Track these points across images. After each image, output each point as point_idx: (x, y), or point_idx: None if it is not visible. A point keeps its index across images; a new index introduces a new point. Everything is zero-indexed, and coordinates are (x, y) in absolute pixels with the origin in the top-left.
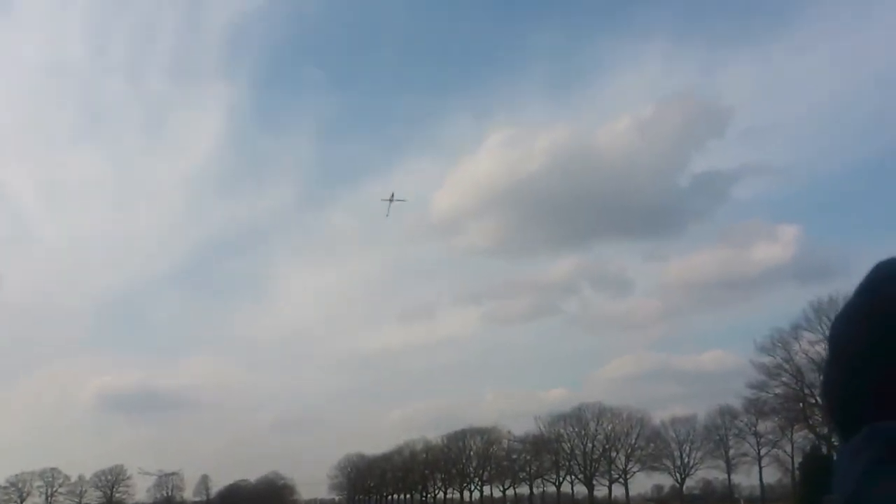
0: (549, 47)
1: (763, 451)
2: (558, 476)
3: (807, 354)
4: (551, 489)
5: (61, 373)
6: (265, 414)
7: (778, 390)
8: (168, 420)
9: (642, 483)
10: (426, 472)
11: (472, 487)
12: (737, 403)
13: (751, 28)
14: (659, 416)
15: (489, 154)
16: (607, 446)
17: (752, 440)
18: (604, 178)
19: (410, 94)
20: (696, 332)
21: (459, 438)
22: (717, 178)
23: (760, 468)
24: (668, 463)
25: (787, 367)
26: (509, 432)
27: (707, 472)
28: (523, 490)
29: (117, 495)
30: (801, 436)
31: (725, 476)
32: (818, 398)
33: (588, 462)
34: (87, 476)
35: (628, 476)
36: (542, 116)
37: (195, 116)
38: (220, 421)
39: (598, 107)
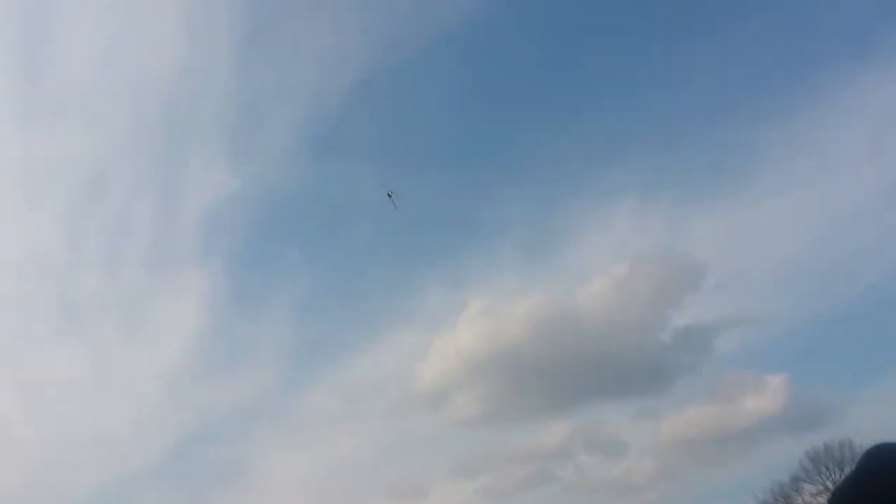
0: (521, 214)
1: None
2: None
3: None
4: None
5: None
6: None
7: None
8: None
9: None
10: None
11: None
12: None
13: (714, 184)
14: None
15: (470, 323)
16: None
17: None
18: (586, 339)
19: (386, 267)
20: (695, 491)
21: None
22: (698, 331)
23: None
24: None
25: None
26: None
27: None
28: None
29: None
30: None
31: None
32: None
33: None
34: None
35: None
36: (519, 282)
37: (172, 305)
38: None
39: (574, 269)
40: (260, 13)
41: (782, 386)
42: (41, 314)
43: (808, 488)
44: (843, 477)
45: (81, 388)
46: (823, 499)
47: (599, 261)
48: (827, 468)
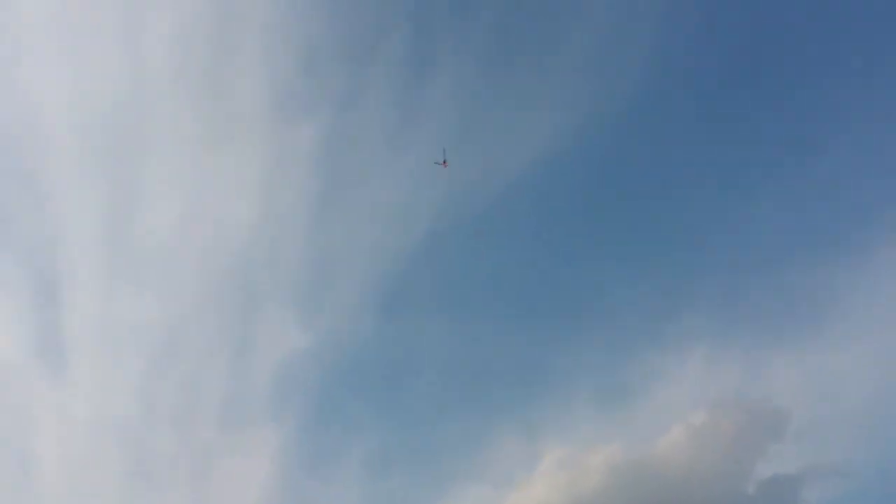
0: (594, 362)
1: None
2: None
3: None
4: None
5: None
6: None
7: None
8: None
9: None
10: None
11: None
12: None
13: (791, 327)
14: None
15: (545, 475)
16: None
17: None
18: (667, 490)
19: (457, 420)
20: None
21: None
22: (784, 482)
23: None
24: None
25: None
26: None
27: None
28: None
29: None
30: None
31: None
32: None
33: None
34: None
35: None
36: (595, 432)
37: (243, 462)
38: None
39: (650, 417)
40: (332, 172)
41: None
42: (114, 473)
43: None
44: None
45: None
46: None
47: (676, 408)
48: None
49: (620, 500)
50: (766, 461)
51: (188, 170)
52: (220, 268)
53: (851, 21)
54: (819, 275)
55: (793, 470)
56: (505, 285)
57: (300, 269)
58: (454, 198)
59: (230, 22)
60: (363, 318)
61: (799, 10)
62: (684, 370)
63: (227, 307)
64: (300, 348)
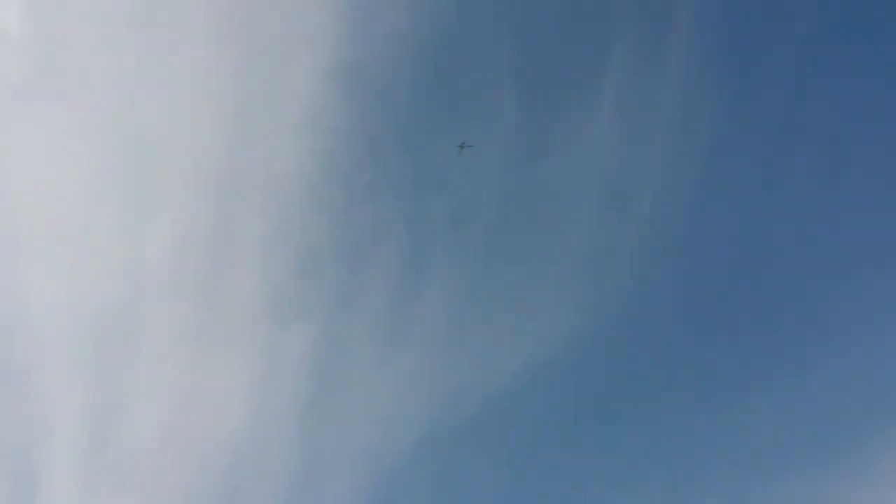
0: None
1: None
2: None
3: None
4: None
5: None
6: None
7: None
8: None
9: None
10: None
11: None
12: None
13: None
14: None
15: None
16: None
17: None
18: None
19: None
20: None
21: None
22: None
23: None
24: None
25: None
26: None
27: None
28: None
29: None
30: None
31: None
32: None
33: None
34: None
35: None
36: None
37: None
38: None
39: None
40: (324, 376)
41: None
42: None
43: None
44: None
45: None
46: None
47: None
48: None
49: None
50: None
51: (178, 373)
52: (207, 470)
53: (848, 232)
54: (819, 486)
55: None
56: (495, 496)
57: (288, 476)
58: (445, 403)
59: (229, 226)
60: None
61: (789, 222)
62: None
63: None
64: None
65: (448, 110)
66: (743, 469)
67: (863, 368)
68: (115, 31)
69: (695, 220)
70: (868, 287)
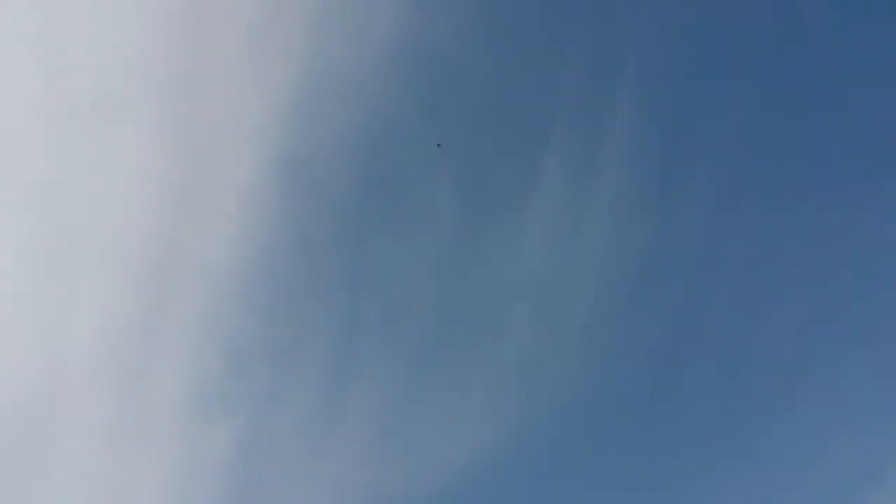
0: None
1: None
2: None
3: None
4: None
5: None
6: None
7: None
8: None
9: None
10: None
11: None
12: None
13: None
14: None
15: None
16: None
17: None
18: None
19: None
20: None
21: None
22: None
23: None
24: None
25: None
26: None
27: None
28: None
29: None
30: None
31: None
32: None
33: None
34: None
35: None
36: None
37: None
38: None
39: None
40: (248, 476)
41: None
42: None
43: None
44: None
45: None
46: None
47: None
48: None
49: None
50: None
51: (97, 470)
52: None
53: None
54: None
55: None
56: None
57: None
58: (376, 501)
59: (157, 316)
60: None
61: (721, 326)
62: None
63: None
64: None
65: (384, 209)
66: None
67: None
68: (54, 112)
69: (631, 326)
70: (811, 386)
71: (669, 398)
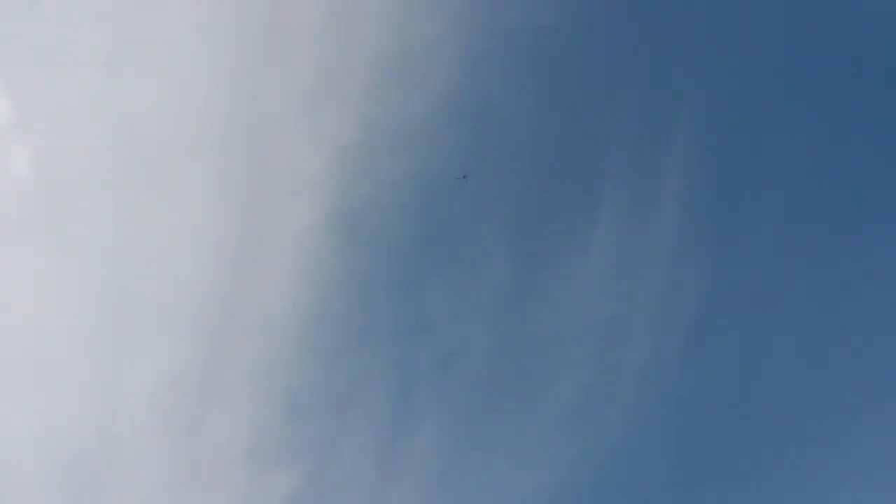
0: None
1: None
2: None
3: None
4: None
5: None
6: None
7: None
8: None
9: None
10: None
11: None
12: None
13: None
14: None
15: None
16: None
17: None
18: None
19: None
20: None
21: None
22: None
23: None
24: None
25: None
26: None
27: None
28: None
29: None
30: None
31: None
32: None
33: None
34: None
35: None
36: None
37: None
38: None
39: None
40: None
41: None
42: None
43: None
44: None
45: None
46: None
47: None
48: None
49: None
50: None
51: None
52: None
53: (847, 378)
54: None
55: None
56: None
57: None
58: None
59: (214, 368)
60: None
61: (785, 369)
62: None
63: None
64: None
65: (439, 257)
66: None
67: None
68: (117, 175)
69: (689, 371)
70: (868, 433)
71: (729, 447)
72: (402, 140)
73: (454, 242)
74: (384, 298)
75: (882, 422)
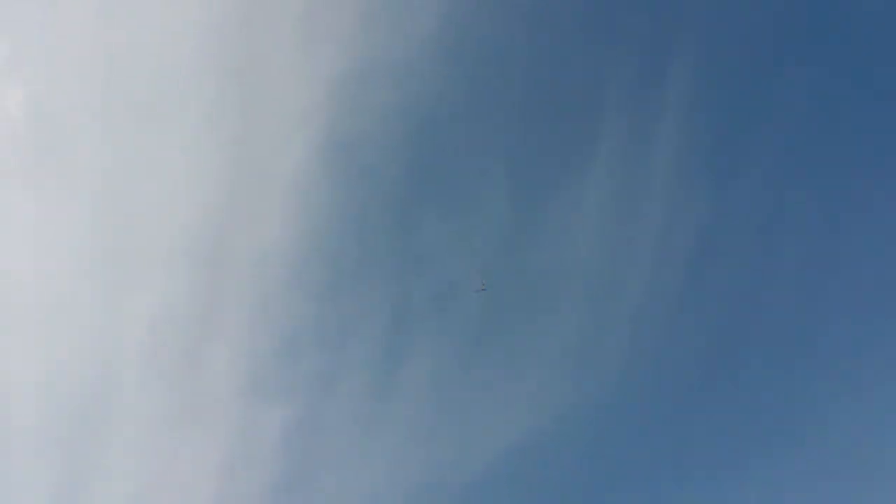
0: None
1: None
2: None
3: None
4: None
5: None
6: None
7: None
8: None
9: None
10: None
11: None
12: None
13: None
14: None
15: None
16: None
17: None
18: None
19: None
20: None
21: None
22: None
23: None
24: None
25: None
26: None
27: None
28: None
29: None
30: None
31: None
32: None
33: None
34: None
35: None
36: None
37: None
38: None
39: None
40: (301, 456)
41: None
42: None
43: None
44: None
45: None
46: None
47: None
48: None
49: None
50: None
51: (150, 453)
52: None
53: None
54: None
55: None
56: None
57: None
58: (425, 487)
59: (210, 303)
60: None
61: (779, 309)
62: None
63: None
64: None
65: (437, 191)
66: None
67: (850, 446)
68: (110, 110)
69: (687, 305)
70: (857, 369)
71: (725, 382)
72: (395, 74)
73: (449, 177)
74: (379, 232)
75: (881, 350)
